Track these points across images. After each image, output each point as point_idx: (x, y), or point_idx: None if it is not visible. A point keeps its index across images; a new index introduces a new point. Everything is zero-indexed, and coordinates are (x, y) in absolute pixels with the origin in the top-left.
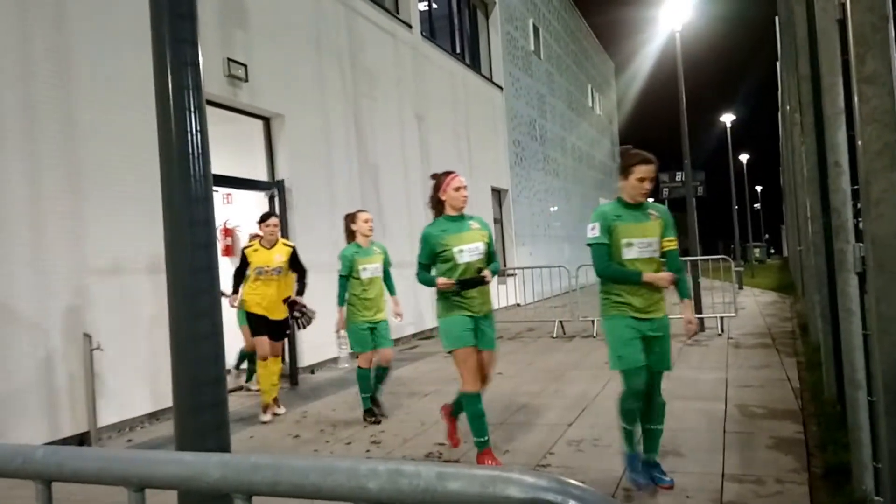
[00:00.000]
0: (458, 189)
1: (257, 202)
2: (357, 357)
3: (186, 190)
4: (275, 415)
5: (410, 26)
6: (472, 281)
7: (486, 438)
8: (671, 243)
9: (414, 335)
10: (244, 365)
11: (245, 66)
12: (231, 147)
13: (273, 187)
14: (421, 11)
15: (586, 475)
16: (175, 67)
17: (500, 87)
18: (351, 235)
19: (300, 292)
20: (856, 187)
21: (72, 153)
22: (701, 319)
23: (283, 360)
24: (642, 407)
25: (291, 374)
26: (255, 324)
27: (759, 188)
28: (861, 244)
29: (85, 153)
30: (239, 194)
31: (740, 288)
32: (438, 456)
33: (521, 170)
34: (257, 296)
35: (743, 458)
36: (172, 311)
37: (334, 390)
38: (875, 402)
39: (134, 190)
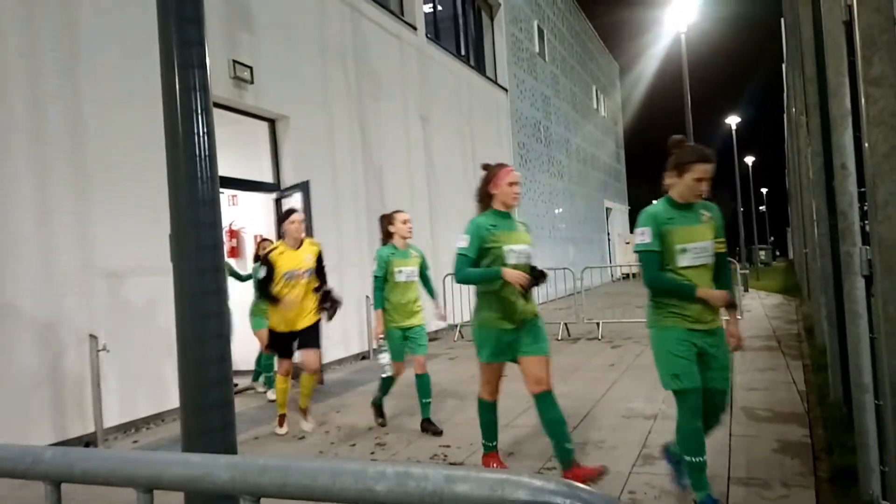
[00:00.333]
0: (512, 184)
1: (263, 204)
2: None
3: (193, 191)
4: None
5: (415, 28)
6: (537, 278)
7: (494, 444)
8: (721, 245)
9: None
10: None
11: (250, 68)
12: (236, 148)
13: (299, 188)
14: (426, 13)
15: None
16: (182, 69)
17: (505, 89)
18: (388, 237)
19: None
20: (862, 190)
21: (78, 154)
22: None
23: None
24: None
25: (294, 376)
26: (280, 344)
27: (764, 190)
28: (867, 247)
29: (92, 154)
30: (244, 196)
31: (746, 290)
32: (443, 458)
33: (526, 172)
34: (282, 310)
35: (749, 461)
36: (179, 311)
37: (338, 392)
38: (882, 405)
39: (140, 191)
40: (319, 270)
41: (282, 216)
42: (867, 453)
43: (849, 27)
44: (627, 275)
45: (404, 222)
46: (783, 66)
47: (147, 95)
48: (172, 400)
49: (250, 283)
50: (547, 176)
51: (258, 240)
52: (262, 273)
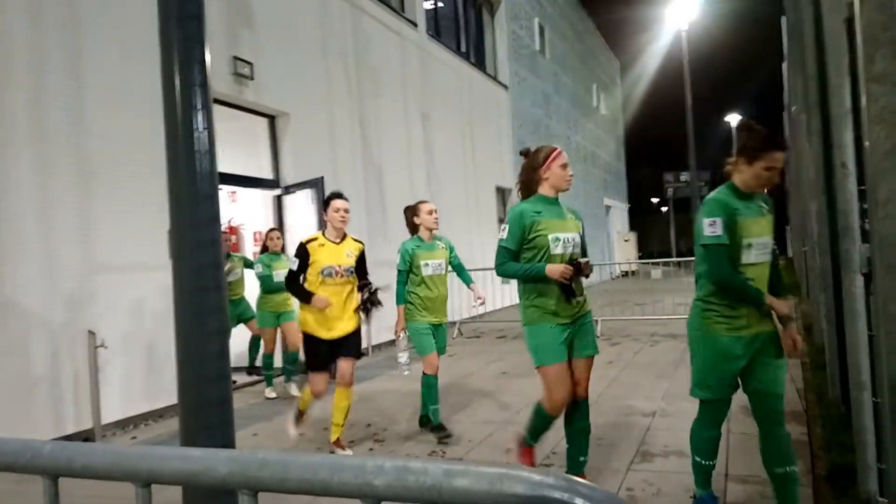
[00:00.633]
0: (564, 166)
1: (263, 200)
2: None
3: (193, 187)
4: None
5: (416, 25)
6: (580, 271)
7: (534, 443)
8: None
9: None
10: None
11: (251, 64)
12: (236, 145)
13: (310, 184)
14: (427, 10)
15: (590, 473)
16: (182, 66)
17: (506, 87)
18: (414, 229)
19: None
20: (862, 188)
21: (79, 151)
22: None
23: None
24: (715, 440)
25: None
26: (315, 352)
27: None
28: (867, 245)
29: (92, 151)
30: (244, 192)
31: None
32: (442, 454)
33: None
34: (317, 310)
35: (747, 458)
36: (178, 308)
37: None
38: (880, 403)
39: (140, 187)
40: (361, 272)
41: (324, 200)
42: (865, 451)
43: (850, 25)
44: (626, 272)
45: (430, 213)
46: (783, 63)
47: (149, 92)
48: (171, 396)
49: (254, 277)
50: None
51: (265, 233)
52: (295, 265)
